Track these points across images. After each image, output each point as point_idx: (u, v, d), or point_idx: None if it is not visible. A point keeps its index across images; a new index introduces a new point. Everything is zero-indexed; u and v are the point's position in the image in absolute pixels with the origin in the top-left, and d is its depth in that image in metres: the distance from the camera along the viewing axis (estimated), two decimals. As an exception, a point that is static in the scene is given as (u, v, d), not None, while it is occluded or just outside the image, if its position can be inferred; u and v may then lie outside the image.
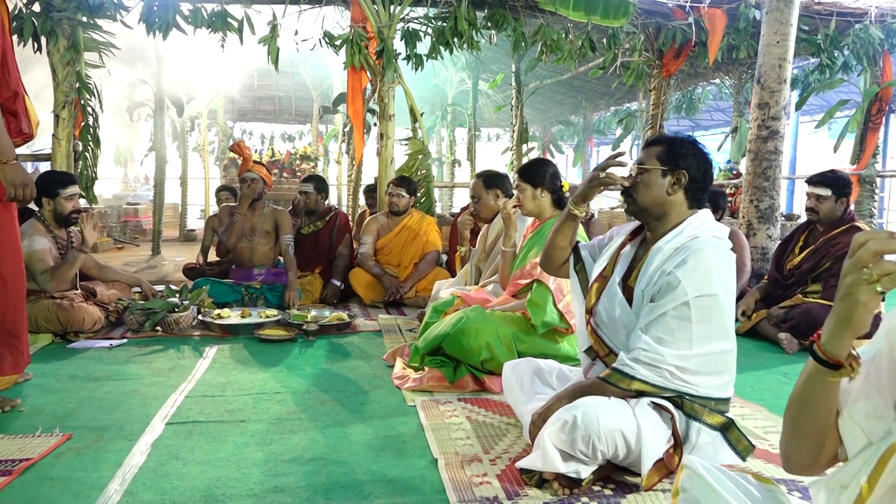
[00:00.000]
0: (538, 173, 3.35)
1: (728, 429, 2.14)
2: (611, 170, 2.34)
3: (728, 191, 7.92)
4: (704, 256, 2.10)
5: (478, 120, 13.42)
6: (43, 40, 5.48)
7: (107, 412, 2.74)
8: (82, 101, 5.67)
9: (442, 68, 12.18)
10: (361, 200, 8.12)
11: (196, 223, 13.16)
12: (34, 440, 2.41)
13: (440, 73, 12.74)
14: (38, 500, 1.96)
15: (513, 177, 4.90)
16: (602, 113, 14.44)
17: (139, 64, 8.76)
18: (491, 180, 4.06)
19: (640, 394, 2.11)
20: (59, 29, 5.42)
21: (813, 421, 1.25)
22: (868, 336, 1.24)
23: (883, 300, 1.29)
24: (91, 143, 5.78)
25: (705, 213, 2.26)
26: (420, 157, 6.26)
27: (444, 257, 5.70)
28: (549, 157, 16.73)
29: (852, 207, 7.66)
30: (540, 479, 2.09)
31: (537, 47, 6.58)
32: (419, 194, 6.07)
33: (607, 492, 2.07)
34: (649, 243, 2.29)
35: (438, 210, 12.93)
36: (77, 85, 5.62)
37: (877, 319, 1.46)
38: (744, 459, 2.13)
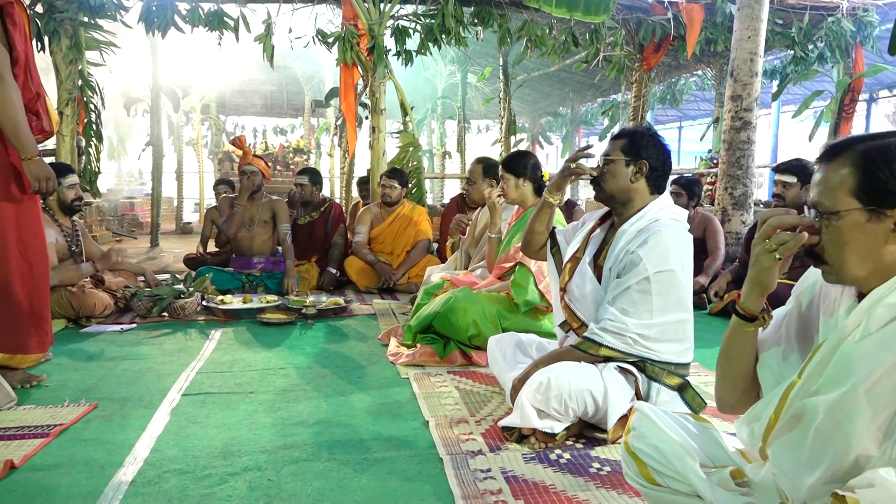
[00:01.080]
0: (520, 164, 3.61)
1: (684, 389, 2.41)
2: (581, 161, 2.62)
3: (709, 179, 8.19)
4: (663, 237, 2.37)
5: (467, 112, 13.65)
6: (46, 40, 5.69)
7: (126, 386, 2.99)
8: (85, 99, 5.89)
9: (432, 62, 12.39)
10: (354, 192, 8.35)
11: (191, 216, 13.37)
12: (63, 409, 2.66)
13: (430, 67, 12.95)
14: (75, 457, 2.22)
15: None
16: (589, 104, 14.70)
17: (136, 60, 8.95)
18: (490, 169, 4.36)
19: (607, 359, 2.39)
20: (61, 29, 5.63)
21: (737, 366, 1.52)
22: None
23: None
24: (94, 138, 6.00)
25: (665, 198, 2.53)
26: (411, 149, 6.51)
27: (435, 245, 5.96)
28: (538, 147, 16.99)
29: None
30: (520, 435, 2.37)
31: (522, 42, 6.83)
32: (411, 185, 6.32)
33: (579, 445, 2.35)
34: (616, 226, 2.56)
35: (430, 201, 13.19)
36: (80, 83, 5.83)
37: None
38: (695, 412, 2.41)
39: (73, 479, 2.05)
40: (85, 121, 5.94)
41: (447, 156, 15.35)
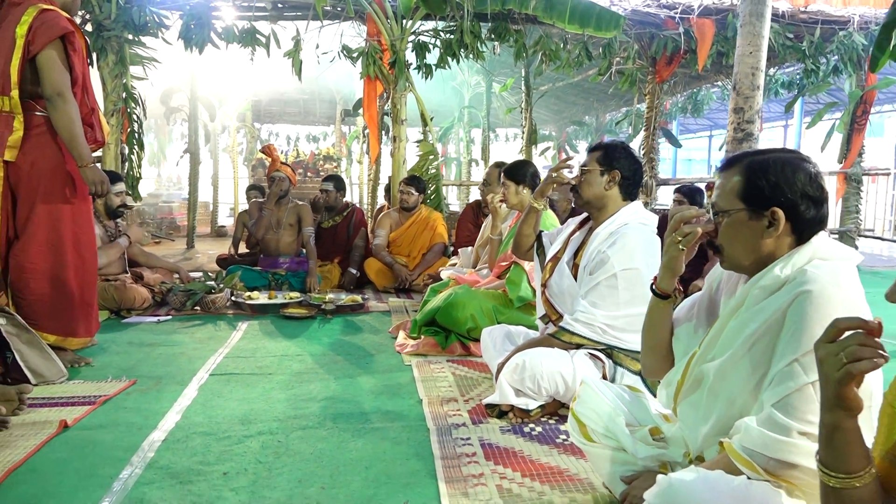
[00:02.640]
0: (520, 172, 3.93)
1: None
2: (562, 171, 2.94)
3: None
4: (630, 239, 2.68)
5: (493, 121, 13.97)
6: (94, 56, 6.18)
7: (161, 367, 3.39)
8: (128, 110, 6.38)
9: (459, 72, 12.73)
10: (380, 197, 8.73)
11: (226, 220, 13.91)
12: (107, 384, 3.06)
13: (457, 77, 13.30)
14: (117, 420, 2.60)
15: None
16: (613, 113, 14.90)
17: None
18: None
19: (579, 346, 2.70)
20: (108, 46, 6.12)
21: (656, 338, 1.83)
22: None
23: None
24: (136, 146, 6.48)
25: (636, 205, 2.83)
26: (430, 157, 6.86)
27: (451, 249, 6.29)
28: (563, 155, 17.24)
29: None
30: (500, 412, 2.69)
31: (538, 56, 7.14)
32: (429, 192, 6.68)
33: (551, 421, 2.66)
34: (592, 229, 2.87)
35: (456, 206, 13.51)
36: (124, 95, 6.31)
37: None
38: (654, 395, 2.70)
39: (115, 437, 2.44)
40: (128, 130, 6.43)
41: (474, 163, 15.68)
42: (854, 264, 1.52)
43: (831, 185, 8.73)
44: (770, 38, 7.27)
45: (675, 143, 12.27)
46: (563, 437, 2.48)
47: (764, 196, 1.54)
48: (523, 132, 10.27)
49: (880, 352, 1.05)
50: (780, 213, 1.53)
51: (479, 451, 2.35)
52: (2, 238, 3.09)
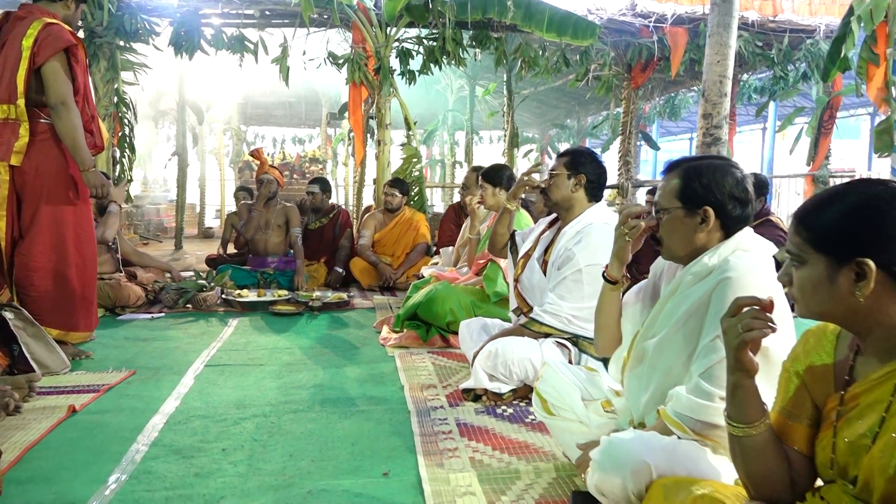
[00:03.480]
0: (497, 176, 4.16)
1: (607, 360, 2.95)
2: (533, 175, 3.19)
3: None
4: (594, 237, 2.92)
5: (477, 123, 14.22)
6: (87, 62, 6.34)
7: (158, 359, 3.59)
8: (119, 114, 6.55)
9: (443, 76, 12.97)
10: (365, 199, 8.94)
11: (212, 222, 14.05)
12: (108, 374, 3.26)
13: (441, 80, 13.54)
14: (121, 405, 2.81)
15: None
16: (594, 117, 15.21)
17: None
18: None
19: (547, 335, 2.94)
20: (100, 52, 6.30)
21: (606, 318, 2.08)
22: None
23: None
24: (127, 149, 6.66)
25: (600, 206, 3.07)
26: (413, 160, 7.09)
27: (434, 248, 6.52)
28: (546, 158, 17.54)
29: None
30: (475, 395, 2.92)
31: (518, 62, 7.40)
32: (413, 194, 6.90)
33: (522, 404, 2.89)
34: (560, 228, 3.11)
35: (441, 208, 13.75)
36: (115, 100, 6.49)
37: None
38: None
39: (121, 420, 2.65)
40: (119, 134, 6.60)
41: (458, 165, 15.93)
42: (770, 255, 1.77)
43: (800, 187, 9.07)
44: (740, 46, 7.61)
45: (654, 145, 12.59)
46: (532, 417, 2.71)
47: (697, 196, 1.79)
48: (505, 135, 10.53)
49: (769, 324, 1.30)
50: (711, 211, 1.78)
51: (455, 429, 2.58)
52: (7, 238, 3.28)
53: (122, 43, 6.45)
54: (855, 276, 1.18)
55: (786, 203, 10.44)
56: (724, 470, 1.60)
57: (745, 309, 1.33)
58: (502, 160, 12.33)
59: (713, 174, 1.79)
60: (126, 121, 6.66)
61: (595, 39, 6.75)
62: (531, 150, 18.36)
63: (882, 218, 1.17)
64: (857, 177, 8.92)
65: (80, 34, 6.27)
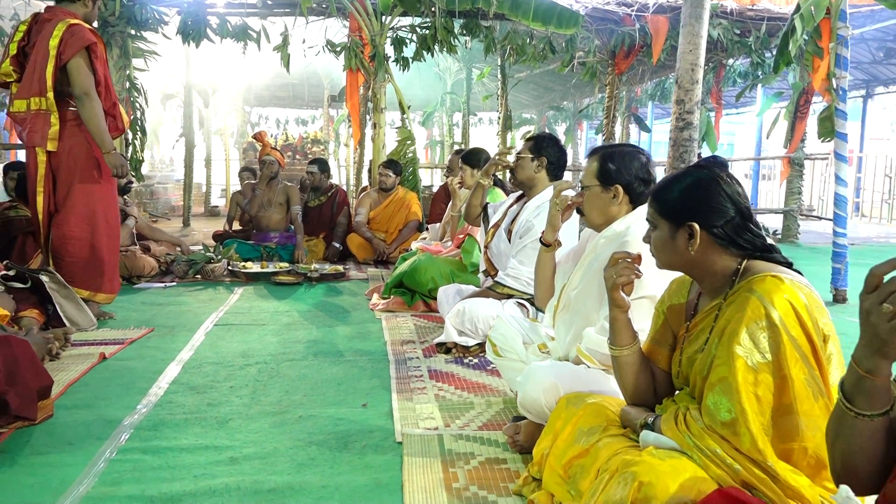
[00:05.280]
0: (476, 158, 4.61)
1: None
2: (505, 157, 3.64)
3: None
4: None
5: (474, 105, 14.59)
6: (100, 49, 6.77)
7: (173, 319, 4.08)
8: (132, 99, 6.99)
9: (441, 59, 13.33)
10: (364, 179, 9.38)
11: (218, 201, 14.51)
12: (130, 331, 3.74)
13: (439, 64, 13.89)
14: (143, 354, 3.30)
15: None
16: (590, 99, 15.56)
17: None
18: (467, 158, 5.33)
19: (510, 296, 3.40)
20: (113, 40, 6.71)
21: (543, 275, 2.54)
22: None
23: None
24: (139, 132, 7.11)
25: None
26: (407, 143, 7.51)
27: (426, 225, 6.97)
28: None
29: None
30: (446, 349, 3.40)
31: (507, 49, 7.79)
32: (406, 174, 7.34)
33: (485, 355, 3.35)
34: (524, 203, 3.56)
35: (437, 187, 14.12)
36: (127, 85, 6.93)
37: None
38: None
39: (144, 364, 3.13)
40: (131, 117, 7.04)
41: (457, 146, 16.33)
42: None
43: (776, 169, 9.46)
44: (720, 34, 7.98)
45: (645, 128, 12.97)
46: (492, 365, 3.17)
47: (611, 176, 2.24)
48: (500, 118, 10.93)
49: (635, 272, 1.75)
50: (621, 189, 2.23)
51: (426, 374, 3.06)
52: (44, 212, 3.76)
53: (133, 32, 6.85)
54: (688, 236, 1.63)
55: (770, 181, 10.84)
56: (619, 390, 2.07)
57: (619, 260, 1.79)
58: (497, 141, 12.73)
59: (623, 159, 2.24)
60: (138, 105, 7.09)
61: (578, 28, 7.13)
62: (529, 131, 18.71)
63: (705, 193, 1.63)
64: (825, 159, 9.31)
65: (94, 24, 6.70)
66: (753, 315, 1.49)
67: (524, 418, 2.30)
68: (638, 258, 1.79)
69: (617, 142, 8.51)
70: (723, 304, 1.62)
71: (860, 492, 1.20)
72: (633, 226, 2.17)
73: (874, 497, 1.19)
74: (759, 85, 9.38)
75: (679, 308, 1.80)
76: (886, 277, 1.05)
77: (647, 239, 1.79)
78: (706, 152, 10.38)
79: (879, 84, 15.97)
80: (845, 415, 1.16)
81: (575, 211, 2.46)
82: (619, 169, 2.24)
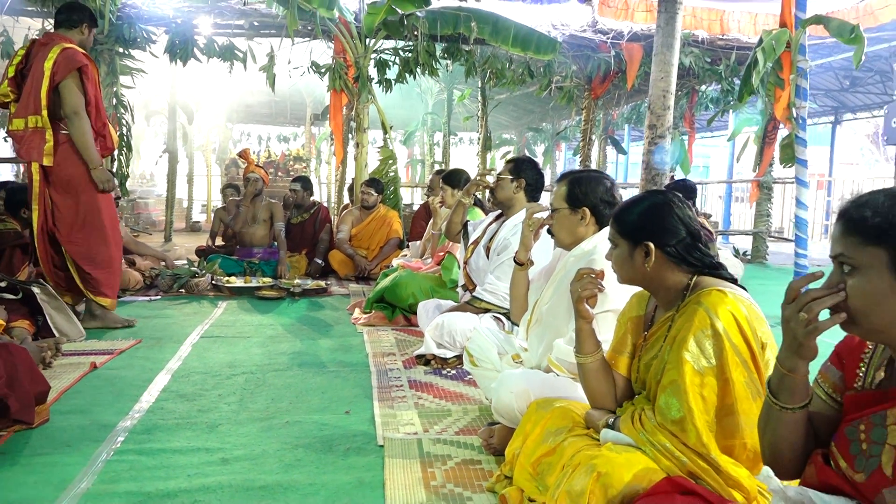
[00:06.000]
0: (456, 178, 4.80)
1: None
2: (487, 177, 3.83)
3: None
4: (526, 230, 3.55)
5: (455, 125, 14.84)
6: (88, 66, 6.90)
7: (160, 331, 4.19)
8: (118, 115, 7.10)
9: (423, 80, 13.57)
10: (345, 197, 9.53)
11: (199, 217, 14.57)
12: (119, 342, 3.85)
13: (421, 84, 14.13)
14: (132, 364, 3.42)
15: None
16: (568, 121, 15.90)
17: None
18: (447, 179, 5.52)
19: (487, 310, 3.57)
20: (101, 58, 6.84)
21: (517, 292, 2.72)
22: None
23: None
24: (125, 148, 7.22)
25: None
26: (389, 162, 7.70)
27: (406, 243, 7.13)
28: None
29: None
30: (425, 361, 3.55)
31: (487, 73, 8.04)
32: (388, 192, 7.51)
33: (463, 367, 3.52)
34: (503, 222, 3.74)
35: (418, 205, 14.30)
36: (115, 102, 7.04)
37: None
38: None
39: (134, 373, 3.25)
40: (118, 134, 7.14)
41: (437, 165, 16.55)
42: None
43: (748, 192, 9.78)
44: (692, 62, 8.30)
45: (622, 150, 13.30)
46: (469, 376, 3.34)
47: (578, 200, 2.43)
48: (479, 138, 11.17)
49: (598, 286, 1.93)
50: (588, 211, 2.42)
51: (406, 384, 3.21)
52: (40, 226, 3.91)
53: (121, 50, 6.99)
54: (644, 254, 1.82)
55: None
56: (585, 396, 2.24)
57: (584, 276, 1.97)
58: (476, 161, 12.96)
59: (589, 183, 2.43)
60: (124, 122, 7.20)
61: (556, 54, 7.40)
62: (509, 152, 19.02)
63: (660, 216, 1.82)
64: (793, 183, 9.64)
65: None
66: (700, 325, 1.68)
67: (499, 424, 2.46)
68: (601, 274, 1.97)
69: (585, 167, 8.74)
70: (675, 315, 1.80)
71: (786, 476, 1.38)
72: (600, 245, 2.36)
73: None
74: (732, 110, 9.71)
75: (638, 319, 1.98)
76: (803, 290, 1.23)
77: (609, 257, 1.98)
78: (679, 175, 10.71)
79: (847, 111, 16.53)
80: (772, 408, 1.34)
81: (546, 231, 2.64)
82: (585, 192, 2.43)
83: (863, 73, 13.09)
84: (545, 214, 2.62)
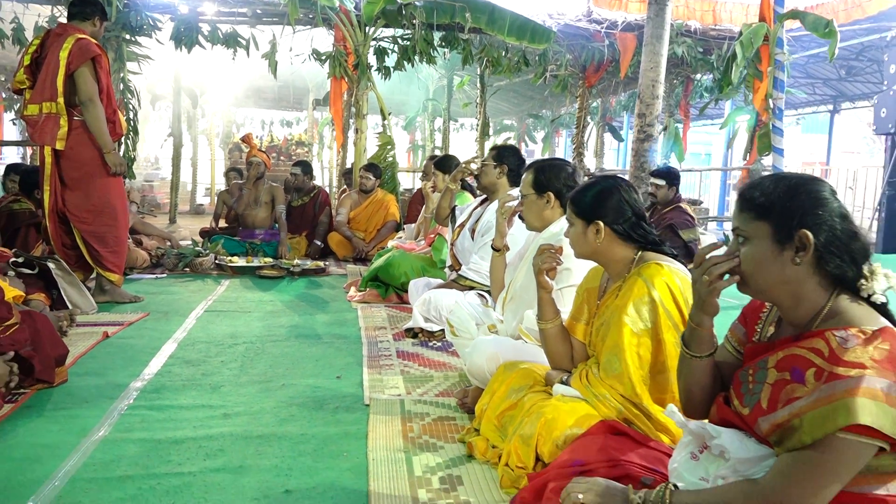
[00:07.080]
0: (447, 164, 5.04)
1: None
2: (472, 164, 4.07)
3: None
4: (509, 213, 3.80)
5: (455, 111, 15.03)
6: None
7: (166, 306, 4.46)
8: (125, 101, 7.34)
9: (424, 67, 13.75)
10: (340, 181, 9.77)
11: (203, 199, 14.83)
12: (128, 315, 4.12)
13: (422, 70, 14.31)
14: (141, 334, 3.68)
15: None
16: (565, 109, 16.06)
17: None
18: (440, 164, 5.75)
19: (471, 288, 3.82)
20: (108, 45, 7.06)
21: (495, 275, 2.97)
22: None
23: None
24: (132, 132, 7.45)
25: (517, 190, 3.95)
26: (387, 147, 7.93)
27: (403, 226, 7.37)
28: (523, 145, 18.39)
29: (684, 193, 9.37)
30: (413, 333, 3.81)
31: (484, 61, 8.24)
32: (385, 177, 7.75)
33: (447, 339, 3.78)
34: (487, 206, 3.99)
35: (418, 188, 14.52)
36: (122, 87, 7.28)
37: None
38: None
39: (143, 342, 3.52)
40: (125, 118, 7.38)
41: (437, 150, 16.75)
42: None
43: (735, 179, 9.97)
44: (684, 52, 8.49)
45: (619, 137, 13.50)
46: (453, 348, 3.60)
47: (543, 185, 2.68)
48: (478, 125, 11.38)
49: (557, 259, 2.18)
50: (553, 195, 2.66)
51: (394, 354, 3.47)
52: (51, 207, 4.17)
53: (127, 36, 7.21)
54: (595, 232, 2.06)
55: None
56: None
57: (545, 251, 2.22)
58: (475, 147, 13.16)
59: (552, 170, 2.68)
60: (131, 106, 7.44)
61: (550, 43, 7.60)
62: (509, 138, 19.20)
63: (609, 197, 2.06)
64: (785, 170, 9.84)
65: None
66: (639, 293, 1.93)
67: (473, 385, 2.72)
68: (560, 249, 2.22)
69: (578, 154, 8.94)
70: (622, 285, 2.05)
71: (697, 416, 1.63)
72: (566, 227, 2.60)
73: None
74: (721, 100, 9.89)
75: (593, 290, 2.23)
76: (707, 256, 1.49)
77: (567, 235, 2.23)
78: (674, 162, 10.90)
79: (846, 100, 16.66)
80: (685, 357, 1.59)
81: (518, 217, 2.88)
82: (549, 179, 2.67)
83: (860, 62, 13.23)
84: (515, 203, 2.86)
